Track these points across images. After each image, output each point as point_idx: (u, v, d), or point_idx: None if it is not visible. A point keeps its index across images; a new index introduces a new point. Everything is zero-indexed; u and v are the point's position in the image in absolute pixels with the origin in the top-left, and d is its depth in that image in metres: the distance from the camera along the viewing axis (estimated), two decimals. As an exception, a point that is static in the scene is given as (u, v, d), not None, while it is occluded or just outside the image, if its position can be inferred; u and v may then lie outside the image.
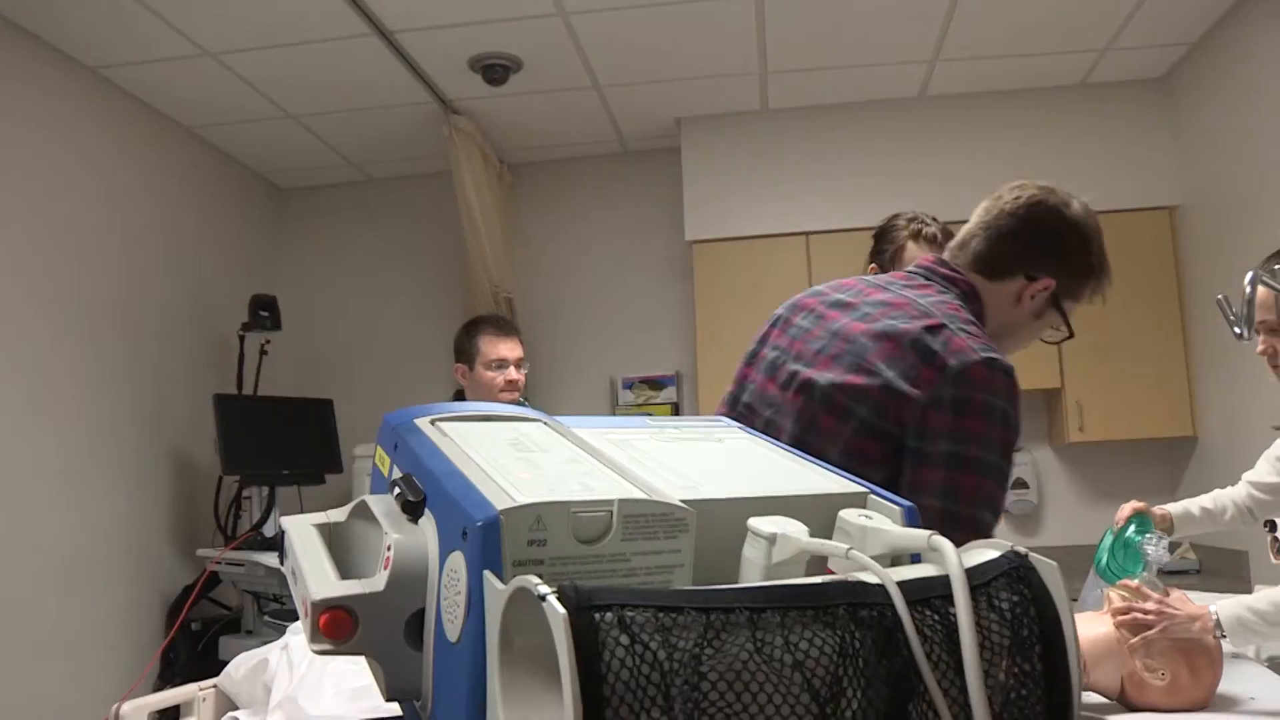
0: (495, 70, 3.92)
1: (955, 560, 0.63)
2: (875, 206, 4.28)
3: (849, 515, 0.75)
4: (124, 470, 3.86)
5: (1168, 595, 2.01)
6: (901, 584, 0.61)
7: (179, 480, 4.20)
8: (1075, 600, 3.03)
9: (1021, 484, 4.37)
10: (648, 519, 0.68)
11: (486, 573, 0.61)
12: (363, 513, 0.80)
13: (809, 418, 1.35)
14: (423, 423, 0.84)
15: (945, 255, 1.57)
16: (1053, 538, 4.40)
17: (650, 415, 1.07)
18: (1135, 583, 2.29)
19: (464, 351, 3.21)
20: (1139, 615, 2.02)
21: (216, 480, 4.18)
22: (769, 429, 1.40)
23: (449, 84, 4.09)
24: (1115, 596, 2.28)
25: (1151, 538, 2.30)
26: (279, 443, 4.14)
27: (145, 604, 3.94)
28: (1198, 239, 4.09)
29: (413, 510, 0.74)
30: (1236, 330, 1.07)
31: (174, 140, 4.30)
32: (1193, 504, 2.43)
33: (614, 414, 4.56)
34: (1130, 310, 4.10)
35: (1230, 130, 3.79)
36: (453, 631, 0.65)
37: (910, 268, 1.58)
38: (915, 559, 0.74)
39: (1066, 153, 4.28)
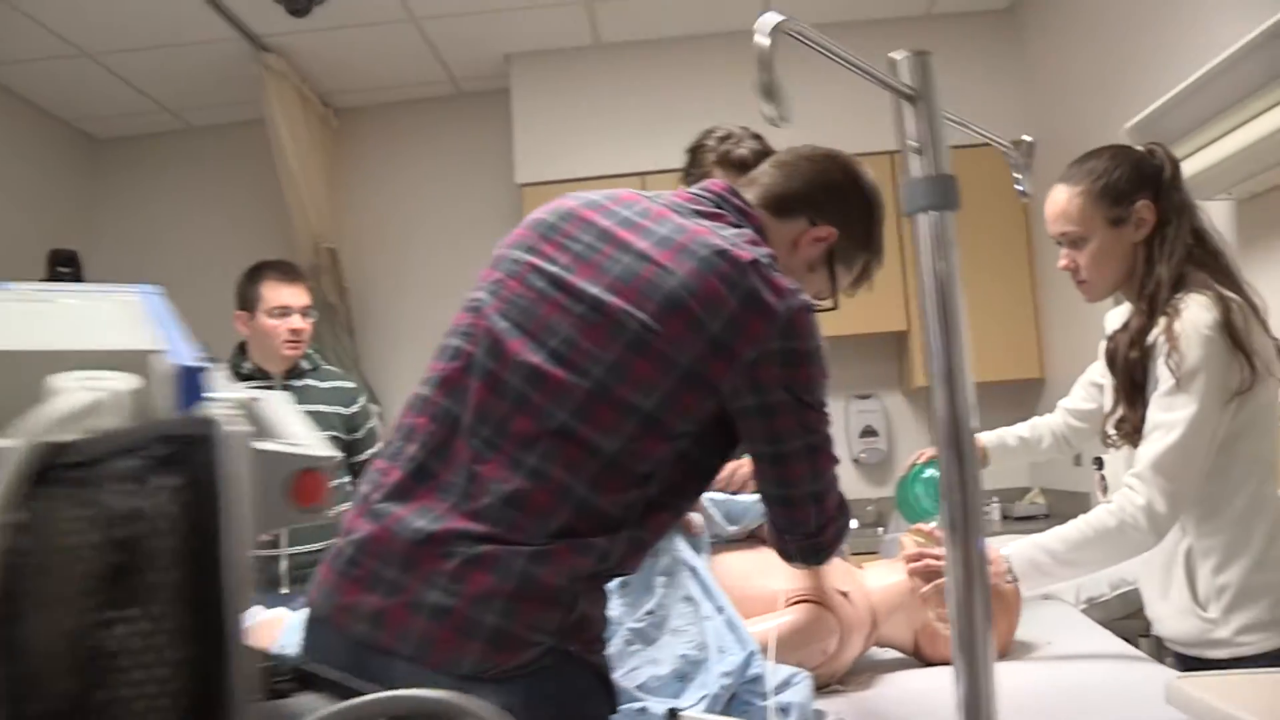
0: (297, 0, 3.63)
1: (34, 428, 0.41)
2: (710, 143, 4.09)
3: (62, 380, 0.53)
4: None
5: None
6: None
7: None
8: (876, 554, 2.90)
9: (870, 432, 4.23)
10: None
11: None
12: None
13: (614, 360, 1.21)
14: None
15: (736, 186, 1.47)
16: (906, 486, 4.27)
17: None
18: (930, 527, 2.13)
19: (245, 298, 2.96)
20: (931, 562, 1.86)
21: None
22: (553, 356, 1.23)
23: (252, 17, 3.78)
24: (909, 542, 2.12)
25: (949, 475, 2.15)
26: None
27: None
28: (1046, 175, 3.94)
29: None
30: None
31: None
32: (1008, 433, 2.28)
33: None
34: (978, 250, 3.95)
35: (1076, 62, 3.66)
36: None
37: (697, 189, 1.44)
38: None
39: (912, 87, 4.11)
